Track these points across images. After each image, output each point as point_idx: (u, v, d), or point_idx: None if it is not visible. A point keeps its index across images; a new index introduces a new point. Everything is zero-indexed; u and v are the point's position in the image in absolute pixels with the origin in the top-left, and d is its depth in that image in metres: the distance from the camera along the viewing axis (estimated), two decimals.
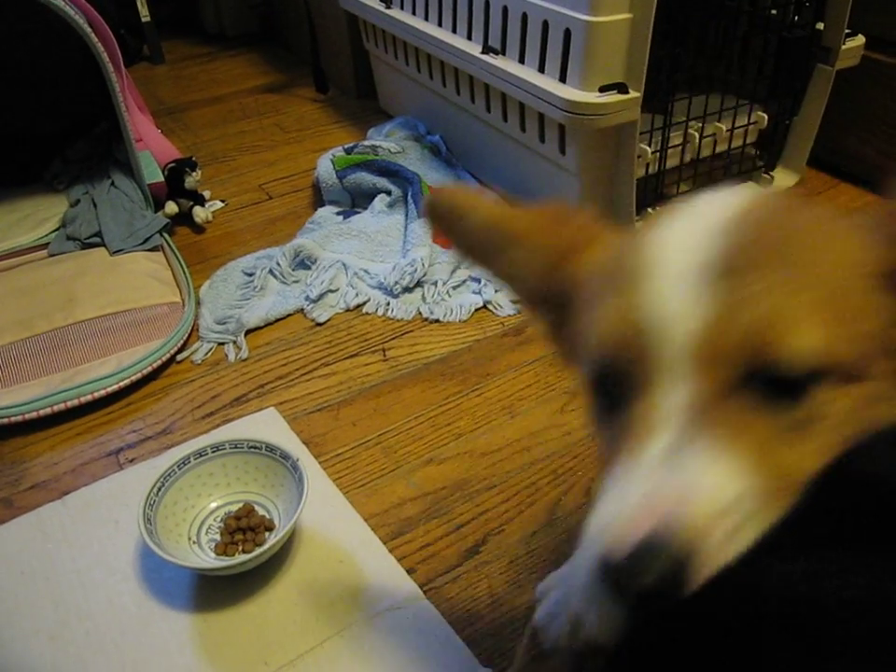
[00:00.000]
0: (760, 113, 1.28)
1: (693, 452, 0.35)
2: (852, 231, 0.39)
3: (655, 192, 1.24)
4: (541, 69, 1.13)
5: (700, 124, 1.22)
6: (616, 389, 0.39)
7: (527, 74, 1.14)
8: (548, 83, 1.11)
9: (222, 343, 1.08)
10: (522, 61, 1.16)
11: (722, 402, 0.36)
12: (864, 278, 0.38)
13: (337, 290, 1.15)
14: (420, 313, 1.12)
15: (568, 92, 1.07)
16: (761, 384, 0.35)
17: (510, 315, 1.11)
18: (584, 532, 0.36)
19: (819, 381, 0.36)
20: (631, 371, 0.38)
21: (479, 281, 1.16)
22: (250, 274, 1.19)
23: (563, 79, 1.10)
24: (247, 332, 1.10)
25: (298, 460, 0.80)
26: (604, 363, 0.40)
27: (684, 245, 0.38)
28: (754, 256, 0.37)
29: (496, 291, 1.14)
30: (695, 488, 0.34)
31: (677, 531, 0.33)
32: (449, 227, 0.51)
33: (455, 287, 1.15)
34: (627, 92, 1.06)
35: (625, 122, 1.08)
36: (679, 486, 0.34)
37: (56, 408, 0.97)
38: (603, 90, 1.06)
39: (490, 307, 1.12)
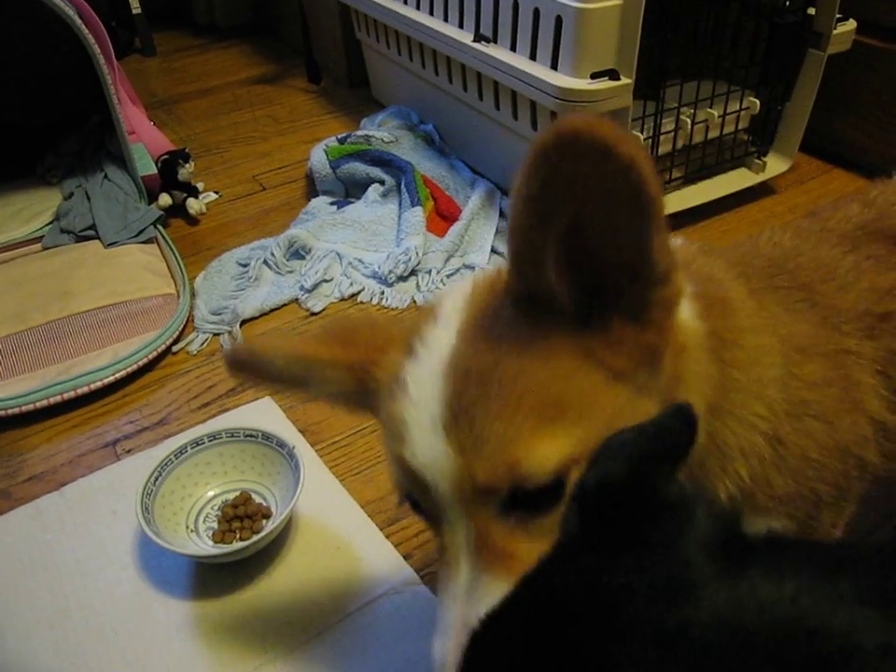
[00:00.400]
0: (752, 99, 1.28)
1: (481, 586, 0.42)
2: (561, 347, 0.43)
3: None
4: (533, 56, 1.14)
5: (692, 110, 1.23)
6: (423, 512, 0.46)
7: (519, 61, 1.14)
8: (540, 70, 1.11)
9: (218, 334, 1.09)
10: (513, 48, 1.16)
11: (492, 532, 0.42)
12: (581, 381, 0.42)
13: (331, 280, 1.16)
14: (415, 301, 1.12)
15: (560, 79, 1.08)
16: (519, 504, 0.41)
17: None
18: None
19: (565, 479, 0.41)
20: (425, 506, 0.45)
21: (472, 269, 1.16)
22: (245, 265, 1.19)
23: (554, 66, 1.10)
24: (243, 322, 1.10)
25: (294, 448, 0.81)
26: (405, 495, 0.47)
27: (422, 395, 0.43)
28: (475, 395, 0.42)
29: None
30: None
31: None
32: (256, 373, 0.55)
33: (448, 276, 1.16)
34: (619, 79, 1.07)
35: (617, 109, 1.09)
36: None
37: (52, 400, 0.98)
38: (594, 76, 1.06)
39: None
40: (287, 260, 1.19)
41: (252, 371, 0.55)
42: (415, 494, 0.45)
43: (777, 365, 0.52)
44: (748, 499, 0.52)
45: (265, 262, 1.19)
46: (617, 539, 0.33)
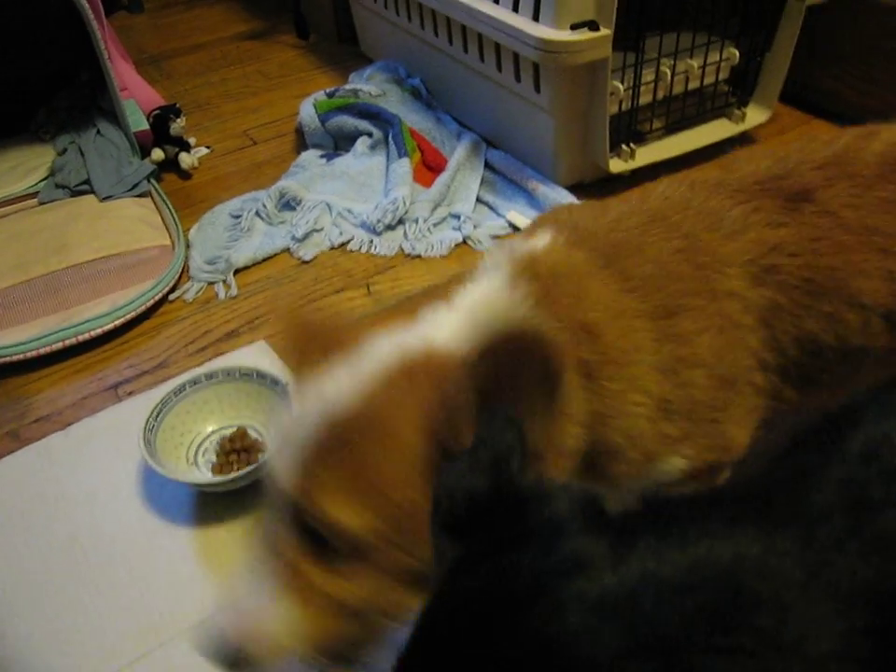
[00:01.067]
0: (731, 49, 1.31)
1: (266, 587, 0.51)
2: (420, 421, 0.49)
3: (629, 129, 1.27)
4: (515, 9, 1.16)
5: (672, 61, 1.25)
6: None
7: (502, 13, 1.16)
8: (521, 22, 1.13)
9: (212, 283, 1.13)
10: (497, 0, 1.19)
11: (289, 546, 0.50)
12: (407, 466, 0.48)
13: (322, 230, 1.19)
14: (402, 249, 1.16)
15: (541, 31, 1.10)
16: (310, 533, 0.49)
17: (487, 249, 1.16)
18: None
19: (350, 538, 0.48)
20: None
21: (458, 218, 1.20)
22: (237, 217, 1.23)
23: (536, 18, 1.13)
24: (236, 272, 1.14)
25: (287, 384, 0.85)
26: None
27: (302, 420, 0.50)
28: (325, 437, 0.48)
29: (474, 227, 1.18)
30: (259, 617, 0.51)
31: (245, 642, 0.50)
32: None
33: (435, 225, 1.19)
34: (598, 30, 1.09)
35: (597, 59, 1.11)
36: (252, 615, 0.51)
37: (55, 346, 1.02)
38: (574, 27, 1.09)
39: (469, 242, 1.17)
40: (279, 212, 1.23)
41: None
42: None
43: (646, 350, 0.57)
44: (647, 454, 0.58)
45: (257, 213, 1.22)
46: (498, 542, 0.36)
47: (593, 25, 1.09)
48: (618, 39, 1.12)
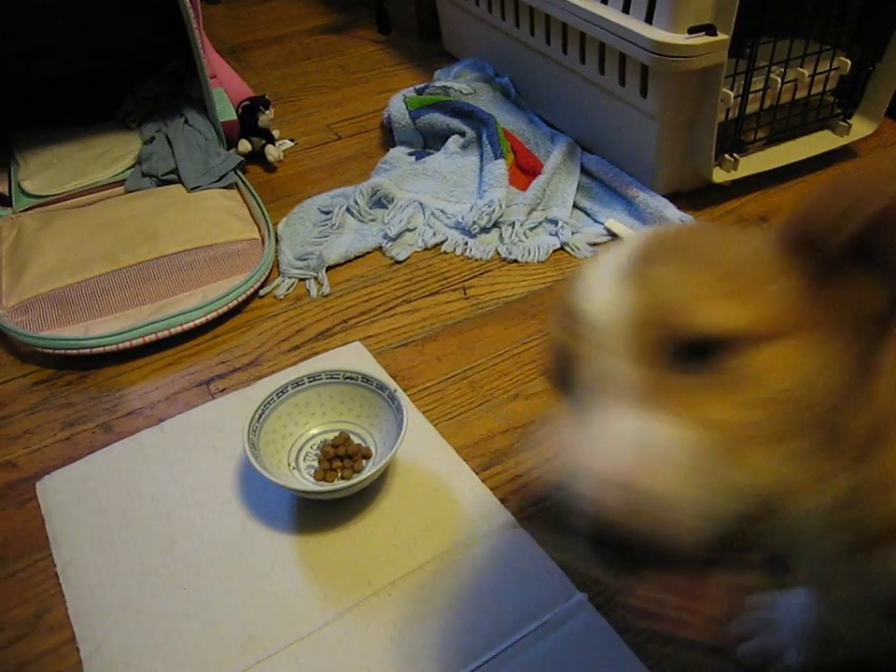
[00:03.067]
0: (843, 58, 1.25)
1: (639, 416, 0.40)
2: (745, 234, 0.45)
3: (733, 138, 1.22)
4: (626, 9, 1.12)
5: (782, 69, 1.20)
6: (571, 371, 0.45)
7: (611, 13, 1.13)
8: (633, 24, 1.09)
9: (303, 279, 1.10)
10: (605, 1, 1.15)
11: (650, 372, 0.41)
12: (758, 256, 0.43)
13: (415, 229, 1.16)
14: (498, 253, 1.13)
15: (655, 33, 1.06)
16: (677, 353, 0.41)
17: (587, 257, 1.12)
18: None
19: (728, 346, 0.40)
20: (582, 355, 0.44)
21: (555, 223, 1.16)
22: (326, 212, 1.20)
23: (649, 20, 1.08)
24: (327, 269, 1.11)
25: (396, 391, 0.82)
26: (560, 349, 0.46)
27: (610, 265, 0.44)
28: (658, 259, 0.43)
29: (573, 233, 1.14)
30: (648, 447, 0.39)
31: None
32: None
33: (531, 229, 1.16)
34: (716, 34, 1.05)
35: (711, 65, 1.07)
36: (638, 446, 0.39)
37: (147, 338, 1.00)
38: (692, 31, 1.05)
39: (567, 249, 1.13)
40: (370, 209, 1.20)
41: None
42: (576, 343, 0.44)
43: None
44: None
45: (348, 210, 1.19)
46: None
47: (710, 30, 1.05)
48: (730, 45, 1.08)
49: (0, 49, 1.47)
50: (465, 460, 0.84)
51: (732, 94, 1.15)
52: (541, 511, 0.79)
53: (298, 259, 1.12)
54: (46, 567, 0.77)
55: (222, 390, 0.96)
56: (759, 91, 1.20)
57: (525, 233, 1.14)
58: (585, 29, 1.18)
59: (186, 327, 1.02)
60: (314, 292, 1.08)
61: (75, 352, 0.98)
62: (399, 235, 1.15)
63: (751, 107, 1.22)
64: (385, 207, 1.20)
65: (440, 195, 1.21)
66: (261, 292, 1.09)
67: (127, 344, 0.99)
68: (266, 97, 1.40)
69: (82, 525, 0.80)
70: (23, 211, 1.25)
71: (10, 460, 0.88)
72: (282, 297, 1.08)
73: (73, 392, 0.96)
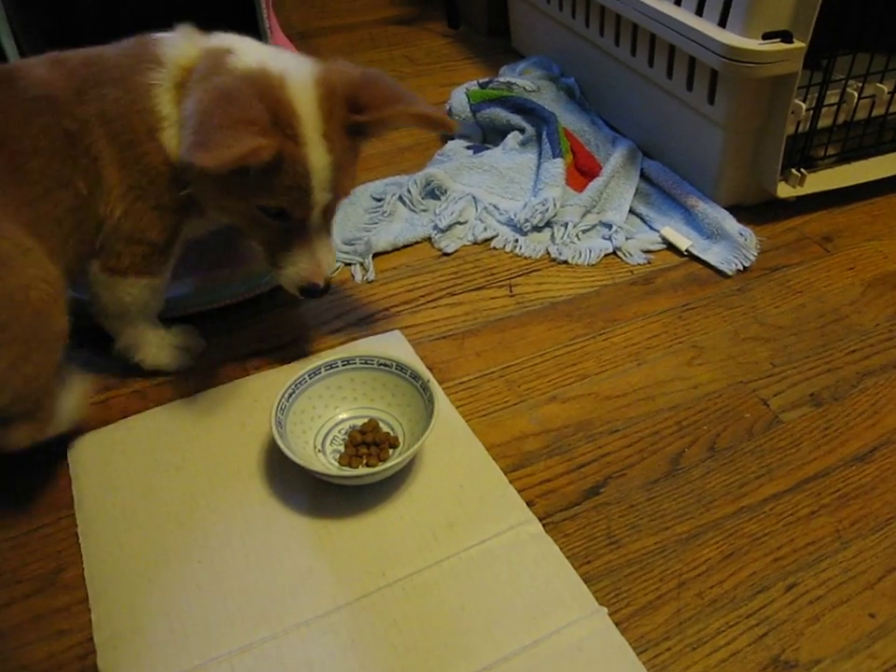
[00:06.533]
0: None
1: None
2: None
3: (802, 153, 1.18)
4: (699, 12, 1.09)
5: (860, 84, 1.16)
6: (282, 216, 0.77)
7: (684, 16, 1.09)
8: (706, 27, 1.06)
9: (349, 264, 1.09)
10: (678, 2, 1.12)
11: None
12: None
13: (466, 223, 1.15)
14: (548, 252, 1.10)
15: (728, 37, 1.03)
16: None
17: (639, 264, 1.09)
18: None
19: None
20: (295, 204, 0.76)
21: (609, 227, 1.13)
22: (379, 199, 1.19)
23: (723, 24, 1.05)
24: (374, 256, 1.10)
25: (429, 381, 0.81)
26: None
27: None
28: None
29: (626, 239, 1.12)
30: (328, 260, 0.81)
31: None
32: None
33: (584, 231, 1.13)
34: (791, 42, 1.01)
35: (785, 74, 1.03)
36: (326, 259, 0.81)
37: (189, 311, 1.00)
38: (766, 37, 1.01)
39: (619, 254, 1.10)
40: (423, 199, 1.19)
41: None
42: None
43: None
44: None
45: (400, 198, 1.18)
46: None
47: (786, 36, 1.01)
48: (806, 55, 1.04)
49: (69, 19, 1.49)
50: (494, 459, 0.82)
51: (804, 106, 1.11)
52: (568, 518, 0.77)
53: (345, 244, 1.11)
54: (68, 525, 0.77)
55: (258, 367, 0.95)
56: (833, 105, 1.16)
57: (577, 235, 1.12)
58: (656, 30, 1.15)
59: (229, 302, 1.01)
60: (358, 277, 1.07)
61: None
62: (450, 227, 1.13)
63: (824, 122, 1.18)
64: (438, 198, 1.19)
65: (494, 190, 1.19)
66: None
67: (168, 316, 0.99)
68: None
69: (106, 489, 0.80)
70: None
71: None
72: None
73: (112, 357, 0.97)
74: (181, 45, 0.79)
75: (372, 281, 1.07)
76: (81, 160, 0.76)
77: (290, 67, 0.76)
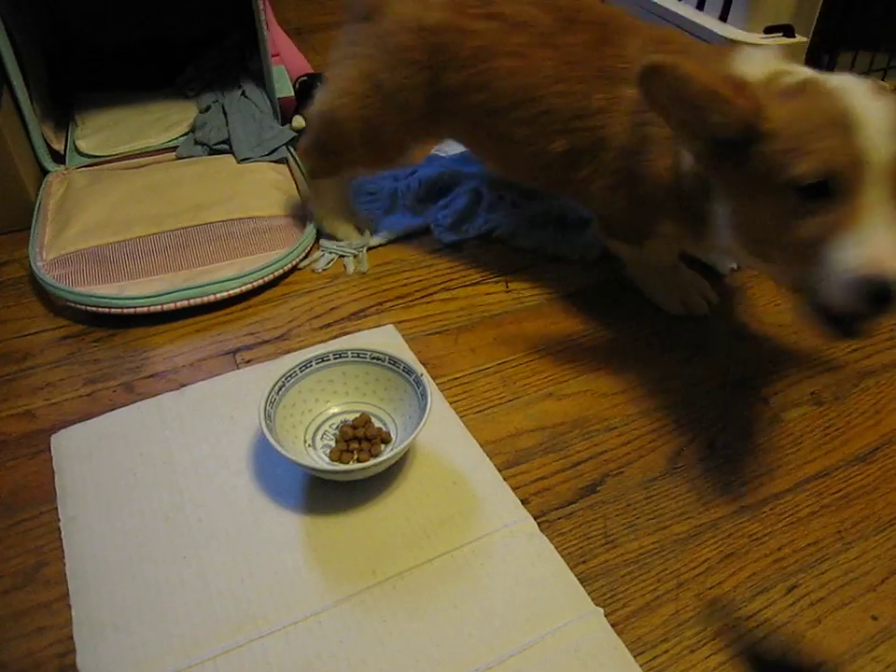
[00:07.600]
0: None
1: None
2: None
3: None
4: (700, 6, 1.07)
5: None
6: (824, 196, 0.65)
7: (684, 9, 1.08)
8: (707, 20, 1.05)
9: (343, 256, 1.07)
10: None
11: None
12: None
13: (464, 217, 1.13)
14: (546, 249, 1.09)
15: (729, 31, 1.02)
16: None
17: None
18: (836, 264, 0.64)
19: None
20: (845, 183, 0.64)
21: None
22: (374, 193, 1.18)
23: (724, 18, 1.04)
24: (369, 249, 1.09)
25: (422, 375, 0.79)
26: (825, 176, 0.64)
27: (866, 110, 0.64)
28: None
29: None
30: None
31: None
32: (669, 88, 0.67)
33: (584, 227, 1.11)
34: (794, 36, 1.00)
35: None
36: None
37: (179, 304, 0.98)
38: (768, 31, 1.00)
39: None
40: (421, 193, 1.17)
41: (666, 84, 0.67)
42: (845, 173, 0.63)
43: None
44: None
45: (397, 192, 1.17)
46: None
47: (788, 31, 1.00)
48: (807, 53, 1.02)
49: (68, 13, 1.48)
50: (489, 456, 0.80)
51: None
52: (564, 517, 0.75)
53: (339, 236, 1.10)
54: (50, 520, 0.75)
55: (248, 361, 0.93)
56: None
57: (576, 232, 1.10)
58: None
59: (219, 296, 1.00)
60: (350, 269, 1.05)
61: (106, 310, 0.97)
62: (448, 221, 1.12)
63: None
64: (438, 192, 1.17)
65: (493, 185, 1.18)
66: (300, 265, 1.07)
67: (158, 308, 0.98)
68: (324, 75, 1.37)
69: (90, 483, 0.78)
70: (75, 169, 1.25)
71: (30, 410, 0.87)
72: (320, 271, 1.06)
73: (100, 349, 0.95)
74: None
75: (366, 274, 1.05)
76: None
77: None
